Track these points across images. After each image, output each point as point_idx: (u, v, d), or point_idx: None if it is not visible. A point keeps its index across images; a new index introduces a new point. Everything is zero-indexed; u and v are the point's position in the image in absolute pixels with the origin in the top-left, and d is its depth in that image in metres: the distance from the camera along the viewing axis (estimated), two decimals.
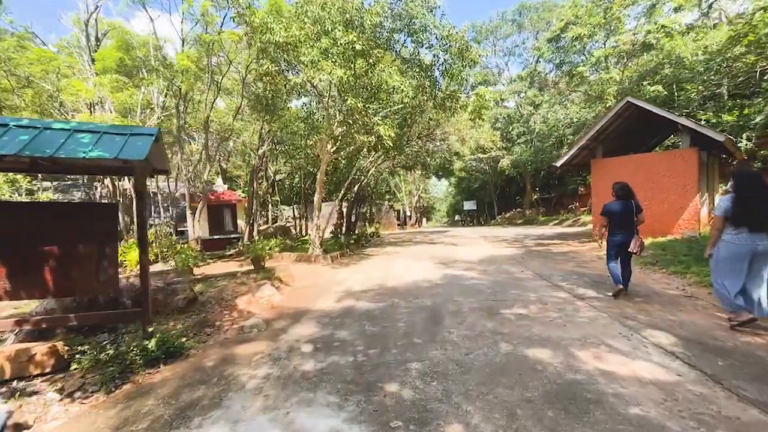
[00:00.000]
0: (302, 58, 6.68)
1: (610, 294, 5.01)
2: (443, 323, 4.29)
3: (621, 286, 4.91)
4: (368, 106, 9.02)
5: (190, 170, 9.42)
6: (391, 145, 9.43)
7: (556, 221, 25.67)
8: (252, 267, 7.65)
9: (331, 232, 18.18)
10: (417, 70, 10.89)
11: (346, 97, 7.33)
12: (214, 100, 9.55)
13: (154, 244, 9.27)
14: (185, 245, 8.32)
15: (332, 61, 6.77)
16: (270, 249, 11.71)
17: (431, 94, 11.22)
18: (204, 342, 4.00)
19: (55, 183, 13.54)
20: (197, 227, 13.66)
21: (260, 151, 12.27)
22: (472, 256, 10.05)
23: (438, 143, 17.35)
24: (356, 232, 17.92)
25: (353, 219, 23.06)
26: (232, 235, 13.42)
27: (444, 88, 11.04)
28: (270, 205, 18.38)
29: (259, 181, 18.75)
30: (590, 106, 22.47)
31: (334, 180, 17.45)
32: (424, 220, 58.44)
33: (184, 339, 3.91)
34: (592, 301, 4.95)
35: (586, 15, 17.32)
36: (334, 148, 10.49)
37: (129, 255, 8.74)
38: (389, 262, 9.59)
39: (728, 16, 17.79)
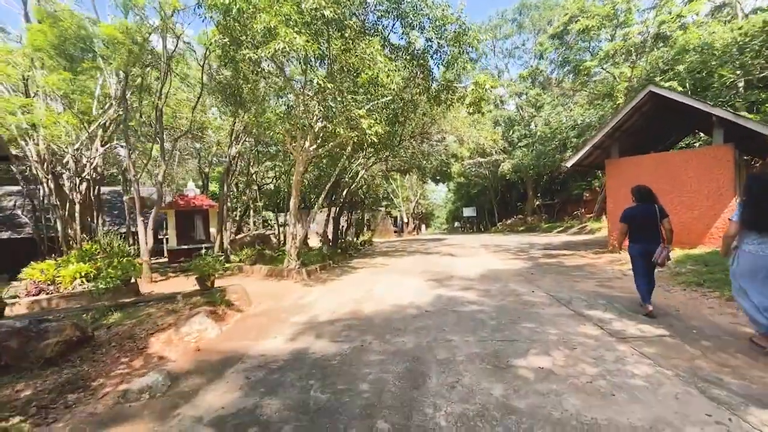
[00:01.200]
0: (256, 26, 5.39)
1: (644, 314, 4.30)
2: (427, 385, 2.87)
3: (650, 307, 4.29)
4: (348, 95, 7.67)
5: (159, 172, 8.02)
6: (377, 140, 8.07)
7: (561, 228, 24.26)
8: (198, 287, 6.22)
9: (320, 241, 16.79)
10: (408, 58, 9.60)
11: (313, 77, 6.01)
12: (162, 87, 8.17)
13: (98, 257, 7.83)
14: (126, 259, 6.90)
15: (294, 30, 5.48)
16: (240, 261, 10.29)
17: (424, 85, 9.91)
18: (50, 424, 2.56)
19: None
20: (170, 235, 12.24)
21: (232, 151, 10.93)
22: (472, 270, 8.63)
23: (434, 144, 16.03)
24: (347, 240, 16.50)
25: (344, 226, 21.68)
26: (204, 245, 12.00)
27: (439, 77, 9.74)
28: (252, 212, 17.01)
29: (235, 185, 17.36)
30: (596, 106, 21.25)
31: (323, 183, 16.14)
32: (423, 226, 57.08)
33: (13, 422, 2.47)
34: (639, 343, 3.53)
35: (593, 6, 16.12)
36: (314, 146, 9.14)
37: (64, 270, 7.30)
38: (374, 279, 8.16)
39: (743, 10, 16.62)
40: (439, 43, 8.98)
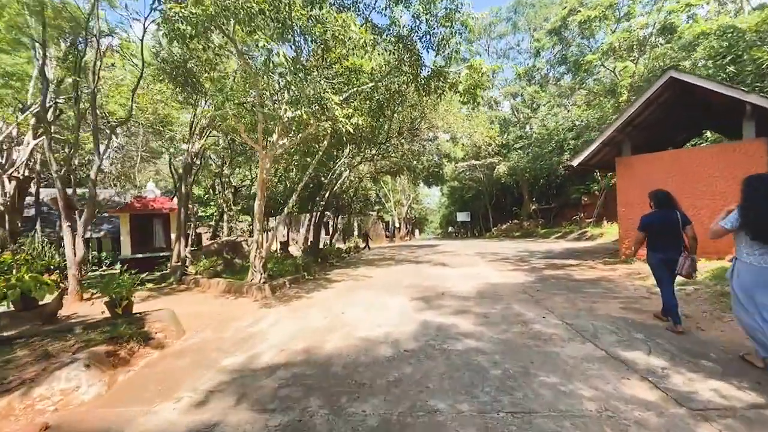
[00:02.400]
0: None
1: (679, 330, 3.84)
2: None
3: (681, 327, 3.86)
4: (319, 77, 6.39)
5: (93, 168, 6.63)
6: (353, 131, 6.79)
7: (559, 234, 23.16)
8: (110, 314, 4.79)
9: (300, 248, 15.43)
10: (393, 40, 8.37)
11: (259, 39, 4.73)
12: (95, 64, 6.75)
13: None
14: (31, 275, 5.46)
15: None
16: (197, 273, 8.89)
17: (412, 72, 8.67)
18: None
19: None
20: (123, 243, 10.78)
21: (195, 146, 9.56)
22: (467, 285, 7.33)
23: (425, 143, 14.83)
24: (330, 247, 15.14)
25: (328, 232, 20.32)
26: (163, 253, 10.55)
27: (429, 63, 8.52)
28: (227, 216, 15.60)
29: (212, 187, 16.02)
30: (595, 106, 20.29)
31: (311, 187, 14.81)
32: (417, 231, 55.84)
33: None
34: (729, 421, 2.25)
35: None
36: (283, 140, 7.83)
37: None
38: (349, 297, 6.81)
39: (751, 4, 15.78)
40: (428, 20, 7.76)
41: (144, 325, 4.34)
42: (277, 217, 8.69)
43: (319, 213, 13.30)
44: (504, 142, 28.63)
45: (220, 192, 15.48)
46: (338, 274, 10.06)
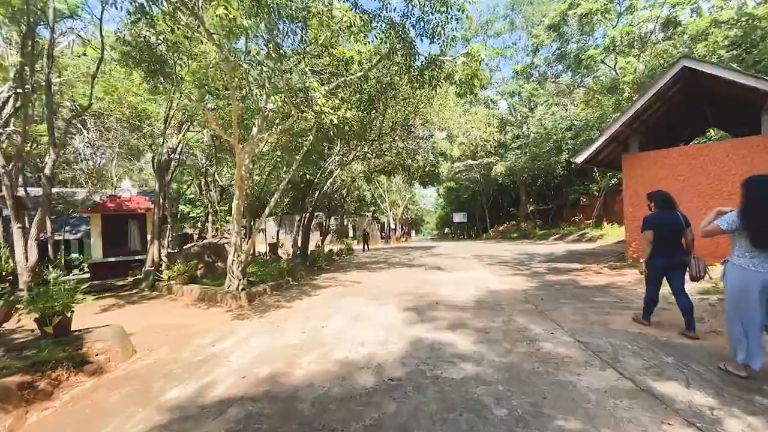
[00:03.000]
0: None
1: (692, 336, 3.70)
2: None
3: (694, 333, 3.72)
4: (298, 62, 5.74)
5: (47, 162, 5.92)
6: (337, 122, 6.14)
7: (557, 235, 22.65)
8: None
9: (285, 252, 14.77)
10: (384, 27, 7.73)
11: (229, 13, 4.08)
12: (50, 46, 6.03)
13: None
14: None
15: None
16: (171, 279, 8.18)
17: (405, 63, 8.03)
18: None
19: None
20: (94, 246, 10.04)
21: (171, 142, 8.86)
22: (463, 292, 6.69)
23: (420, 141, 14.19)
24: (319, 250, 14.46)
25: (323, 233, 19.63)
26: (139, 257, 9.82)
27: (424, 53, 7.88)
28: (212, 217, 14.88)
29: (198, 186, 15.31)
30: (595, 105, 19.81)
31: (301, 186, 14.15)
32: (413, 233, 55.21)
33: None
34: None
35: None
36: (263, 134, 7.17)
37: None
38: (333, 306, 6.14)
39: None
40: (421, 4, 7.13)
41: (81, 347, 3.65)
42: (258, 219, 8.00)
43: (308, 214, 12.62)
44: (501, 142, 28.12)
45: (205, 191, 14.75)
46: (326, 279, 9.39)
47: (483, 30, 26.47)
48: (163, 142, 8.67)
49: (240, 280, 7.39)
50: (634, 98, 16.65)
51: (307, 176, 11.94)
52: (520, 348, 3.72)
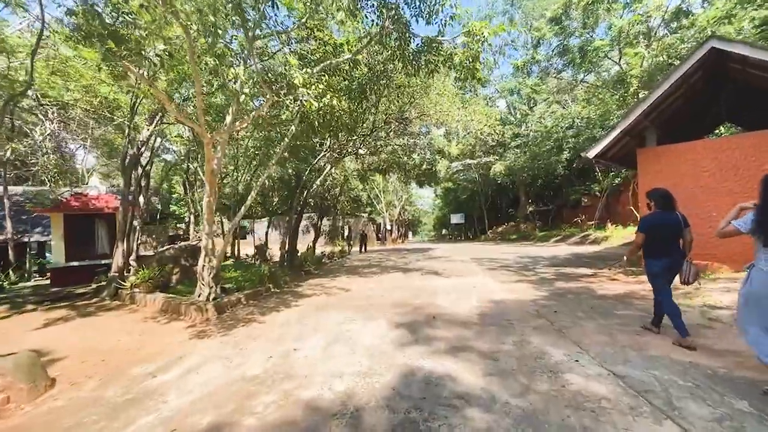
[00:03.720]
0: None
1: (689, 342, 3.40)
2: None
3: (690, 339, 3.42)
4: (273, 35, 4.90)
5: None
6: (316, 106, 5.31)
7: (558, 237, 21.90)
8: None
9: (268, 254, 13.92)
10: (376, 4, 6.91)
11: None
12: None
13: None
14: None
15: None
16: (134, 286, 7.29)
17: (399, 47, 7.21)
18: None
19: None
20: (55, 249, 9.11)
21: (142, 134, 7.98)
22: (465, 303, 5.86)
23: (416, 139, 13.39)
24: (308, 252, 13.60)
25: (322, 233, 18.75)
26: (106, 261, 8.92)
27: (420, 38, 7.08)
28: (193, 217, 13.97)
29: (183, 184, 14.44)
30: (598, 102, 19.10)
31: (292, 185, 13.28)
32: (410, 234, 54.38)
33: None
34: None
35: None
36: (238, 123, 6.32)
37: None
38: (313, 322, 5.27)
39: None
40: None
41: None
42: (234, 219, 7.12)
43: (297, 214, 11.75)
44: (500, 141, 27.39)
45: (189, 190, 13.85)
46: (312, 285, 8.52)
47: None
48: (129, 134, 7.78)
49: (211, 288, 6.53)
50: (640, 94, 16.00)
51: (296, 174, 11.09)
52: (541, 384, 2.89)
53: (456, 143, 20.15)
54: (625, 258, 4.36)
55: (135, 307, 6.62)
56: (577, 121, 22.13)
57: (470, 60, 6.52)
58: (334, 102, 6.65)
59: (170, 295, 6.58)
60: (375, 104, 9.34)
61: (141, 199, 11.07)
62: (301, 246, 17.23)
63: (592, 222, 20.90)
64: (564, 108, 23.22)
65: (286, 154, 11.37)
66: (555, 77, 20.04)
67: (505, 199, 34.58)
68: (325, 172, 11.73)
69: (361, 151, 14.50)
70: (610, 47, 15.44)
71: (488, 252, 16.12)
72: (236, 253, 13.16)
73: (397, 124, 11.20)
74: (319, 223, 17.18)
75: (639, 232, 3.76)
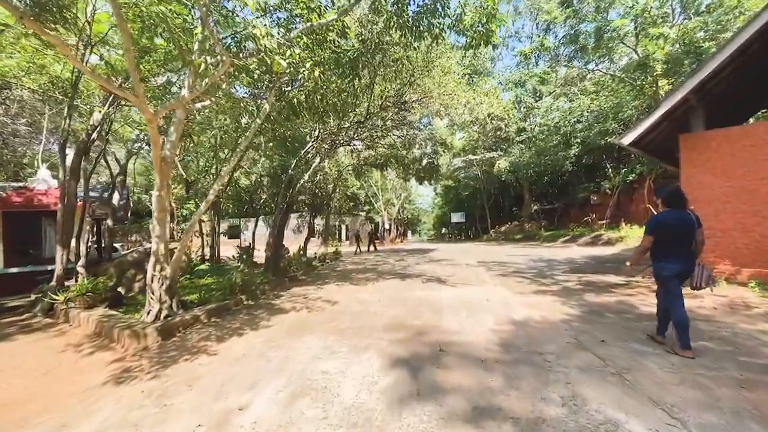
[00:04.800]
0: None
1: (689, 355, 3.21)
2: None
3: (690, 351, 3.23)
4: None
5: None
6: (284, 65, 4.04)
7: (567, 237, 20.67)
8: None
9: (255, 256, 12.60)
10: None
11: None
12: None
13: None
14: None
15: None
16: (69, 300, 6.00)
17: (398, 6, 5.93)
18: None
19: None
20: None
21: (94, 117, 6.69)
22: (479, 325, 4.59)
23: (416, 130, 12.11)
24: (296, 254, 12.34)
25: (313, 234, 17.48)
26: (51, 266, 7.61)
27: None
28: (174, 216, 12.68)
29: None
30: (611, 92, 17.82)
31: (281, 179, 11.99)
32: (409, 233, 53.09)
33: None
34: None
35: None
36: (193, 97, 5.06)
37: None
38: (278, 356, 4.00)
39: None
40: None
41: None
42: (193, 217, 5.82)
43: (282, 212, 10.47)
44: (505, 136, 26.12)
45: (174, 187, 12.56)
46: (294, 296, 7.24)
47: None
48: (69, 115, 6.47)
49: (164, 303, 5.27)
50: (659, 82, 14.80)
51: (282, 167, 9.84)
52: None
53: (460, 131, 18.78)
54: (628, 264, 3.73)
55: (67, 327, 5.34)
56: (586, 114, 20.88)
57: (484, 21, 5.24)
58: (316, 73, 5.39)
59: (111, 313, 5.30)
60: (369, 84, 8.06)
61: (116, 195, 9.81)
62: (294, 247, 15.96)
63: (603, 221, 19.66)
64: (572, 101, 21.92)
65: (270, 143, 10.09)
66: (565, 65, 18.76)
67: (508, 197, 33.32)
68: (314, 165, 10.44)
69: (355, 143, 13.24)
70: (631, 28, 14.10)
71: (494, 254, 14.87)
72: (216, 255, 11.88)
73: (395, 110, 9.91)
74: (312, 221, 15.91)
75: (647, 233, 3.45)
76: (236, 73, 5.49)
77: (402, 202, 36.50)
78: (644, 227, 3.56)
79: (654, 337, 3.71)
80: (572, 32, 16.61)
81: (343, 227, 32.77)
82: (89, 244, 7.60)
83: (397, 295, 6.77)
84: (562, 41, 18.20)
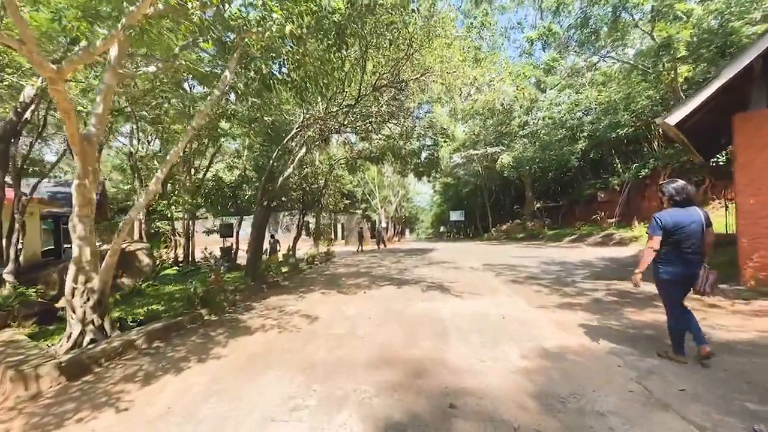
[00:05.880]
0: None
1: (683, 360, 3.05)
2: None
3: (707, 347, 2.97)
4: None
5: None
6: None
7: (574, 237, 19.54)
8: None
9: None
10: None
11: None
12: None
13: None
14: None
15: None
16: None
17: None
18: None
19: None
20: None
21: (26, 92, 5.47)
22: (497, 357, 3.41)
23: (413, 114, 10.92)
24: (277, 258, 11.15)
25: (309, 234, 16.28)
26: None
27: None
28: (144, 215, 11.50)
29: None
30: (623, 81, 16.68)
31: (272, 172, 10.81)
32: (407, 232, 51.86)
33: None
34: None
35: None
36: (108, 46, 3.85)
37: None
38: (214, 416, 2.81)
39: None
40: None
41: None
42: (130, 213, 4.60)
43: (263, 209, 9.26)
44: (506, 131, 24.95)
45: (134, 178, 11.28)
46: (267, 308, 6.04)
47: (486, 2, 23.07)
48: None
49: (87, 325, 4.08)
50: (679, 68, 13.67)
51: (263, 157, 8.64)
52: None
53: (462, 126, 17.51)
54: (637, 273, 3.17)
55: None
56: (594, 106, 19.73)
57: None
58: (288, 30, 4.20)
59: (16, 338, 4.09)
60: (361, 59, 6.85)
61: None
62: (285, 247, 14.75)
63: (613, 219, 18.55)
64: (579, 93, 20.77)
65: (246, 128, 8.86)
66: (575, 52, 17.57)
67: (509, 194, 32.19)
68: (299, 156, 9.22)
69: (347, 133, 12.03)
70: (649, 7, 12.88)
71: (499, 255, 13.71)
72: (190, 257, 10.62)
73: (391, 92, 8.70)
74: (302, 220, 14.70)
75: (653, 234, 3.04)
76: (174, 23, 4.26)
77: (400, 199, 35.30)
78: (648, 226, 3.09)
79: (669, 354, 3.19)
80: (583, 16, 15.42)
81: (339, 226, 31.58)
82: (19, 246, 6.36)
83: (392, 308, 5.58)
84: (571, 25, 16.98)
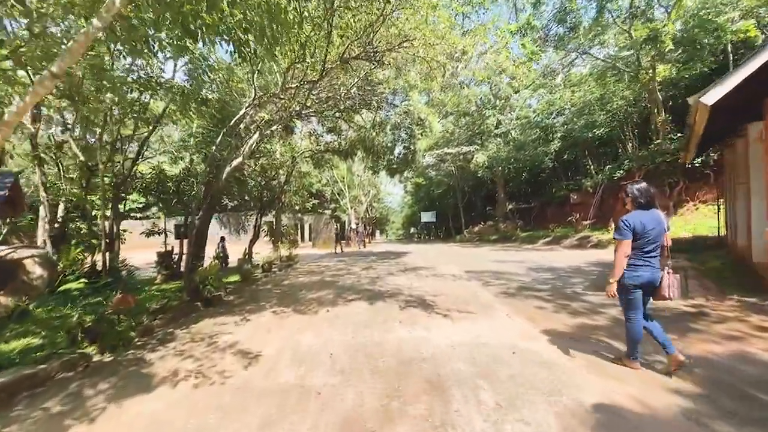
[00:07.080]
0: None
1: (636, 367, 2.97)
2: None
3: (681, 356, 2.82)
4: None
5: None
6: None
7: (547, 239, 19.18)
8: None
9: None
10: None
11: None
12: None
13: None
14: None
15: None
16: None
17: None
18: None
19: None
20: None
21: None
22: None
23: (384, 100, 9.64)
24: (251, 261, 9.42)
25: (267, 236, 14.47)
26: None
27: None
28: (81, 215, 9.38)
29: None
30: (598, 80, 16.41)
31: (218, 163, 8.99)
32: (377, 233, 50.65)
33: None
34: None
35: None
36: None
37: None
38: None
39: None
40: None
41: None
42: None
43: (203, 208, 7.55)
44: (479, 130, 24.37)
45: (60, 171, 9.04)
46: (193, 339, 4.46)
47: None
48: None
49: None
50: (657, 68, 13.42)
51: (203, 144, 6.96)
52: None
53: (446, 103, 16.37)
54: (611, 281, 2.94)
55: None
56: (567, 107, 19.52)
57: None
58: None
59: None
60: (325, 18, 5.42)
61: None
62: (237, 250, 12.88)
63: (588, 221, 18.32)
64: (552, 93, 20.53)
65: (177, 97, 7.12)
66: (554, 47, 17.16)
67: (480, 196, 31.88)
68: (251, 143, 7.61)
69: (314, 123, 10.53)
70: (626, 3, 12.51)
71: (477, 259, 12.74)
72: (106, 264, 8.41)
73: (364, 70, 7.33)
74: (259, 220, 12.94)
75: (623, 237, 2.84)
76: None
77: (371, 199, 33.97)
78: (616, 230, 2.93)
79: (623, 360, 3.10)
80: (561, 12, 14.95)
81: (306, 227, 29.72)
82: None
83: (363, 340, 4.20)
84: (549, 20, 16.53)
